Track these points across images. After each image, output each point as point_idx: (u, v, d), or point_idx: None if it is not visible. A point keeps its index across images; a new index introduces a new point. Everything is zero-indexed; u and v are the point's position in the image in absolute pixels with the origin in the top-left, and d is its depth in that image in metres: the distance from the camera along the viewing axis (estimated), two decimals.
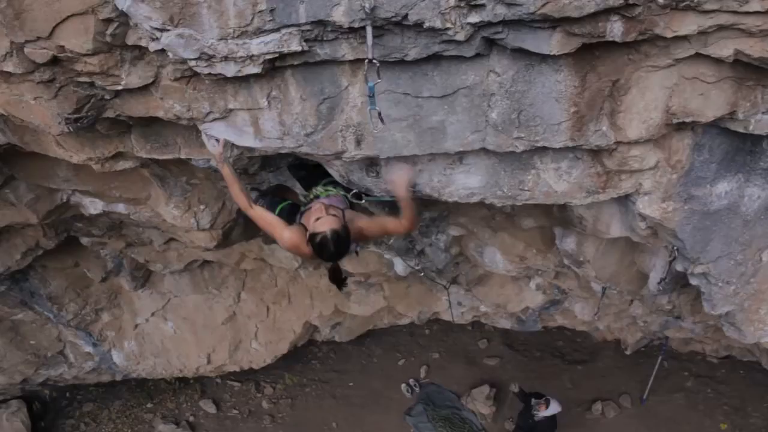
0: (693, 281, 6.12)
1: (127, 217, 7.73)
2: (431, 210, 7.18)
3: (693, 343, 12.32)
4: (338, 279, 5.20)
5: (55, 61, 4.29)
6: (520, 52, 4.09)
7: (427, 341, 15.42)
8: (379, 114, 4.16)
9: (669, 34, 3.89)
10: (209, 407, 14.20)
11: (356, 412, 14.03)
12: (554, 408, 11.41)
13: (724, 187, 5.14)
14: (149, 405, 14.18)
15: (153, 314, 11.81)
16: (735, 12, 3.69)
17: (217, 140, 4.79)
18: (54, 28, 4.03)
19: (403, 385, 14.39)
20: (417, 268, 8.18)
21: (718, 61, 4.10)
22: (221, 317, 12.04)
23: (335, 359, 15.24)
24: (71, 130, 4.77)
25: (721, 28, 3.83)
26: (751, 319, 6.16)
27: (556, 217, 6.97)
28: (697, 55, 4.13)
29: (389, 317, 12.62)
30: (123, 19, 4.02)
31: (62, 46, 4.11)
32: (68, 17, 3.99)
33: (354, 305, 11.56)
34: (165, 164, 6.26)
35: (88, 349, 11.67)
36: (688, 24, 3.83)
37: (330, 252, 4.69)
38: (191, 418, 14.00)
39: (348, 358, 15.20)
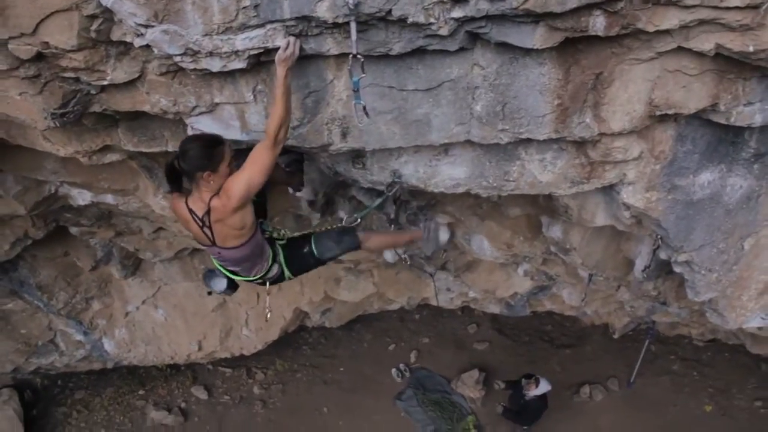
0: (677, 269, 6.19)
1: (116, 208, 7.72)
2: (419, 199, 7.21)
3: (679, 327, 12.42)
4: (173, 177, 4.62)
5: (39, 57, 4.28)
6: (504, 46, 4.11)
7: (417, 326, 15.51)
8: (364, 108, 4.19)
9: (651, 29, 3.92)
10: (201, 393, 14.23)
11: (347, 396, 14.12)
12: (544, 387, 11.51)
13: (706, 177, 5.20)
14: (141, 392, 14.19)
15: (143, 302, 11.79)
16: (716, 7, 3.72)
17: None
18: (38, 24, 4.01)
19: (394, 370, 14.48)
20: (404, 256, 8.20)
21: (699, 54, 4.14)
22: (212, 304, 12.03)
23: (326, 345, 15.29)
24: (57, 124, 4.76)
25: (702, 22, 3.87)
26: (733, 306, 6.26)
27: (542, 206, 7.01)
28: (679, 49, 4.17)
29: (379, 303, 12.67)
30: (107, 15, 4.01)
31: (46, 42, 4.10)
32: (52, 13, 3.97)
33: (344, 291, 11.58)
34: (153, 156, 6.25)
35: (79, 337, 11.66)
36: (670, 19, 3.86)
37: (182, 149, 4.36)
38: (183, 405, 14.04)
39: (338, 343, 15.26)
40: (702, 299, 6.27)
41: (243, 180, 4.34)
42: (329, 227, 5.71)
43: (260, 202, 5.20)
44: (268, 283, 5.55)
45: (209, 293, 5.86)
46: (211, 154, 4.31)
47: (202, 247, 5.17)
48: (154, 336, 12.23)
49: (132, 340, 12.14)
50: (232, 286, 5.62)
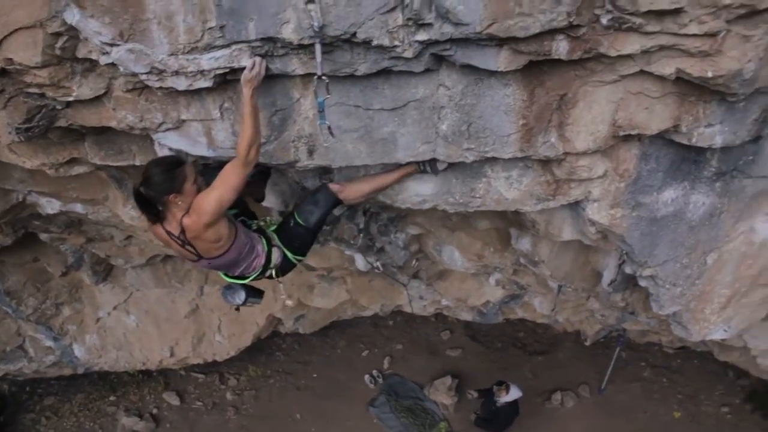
0: (642, 283, 6.27)
1: (86, 217, 7.68)
2: (389, 211, 7.23)
3: (650, 334, 12.53)
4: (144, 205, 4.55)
5: (3, 72, 4.26)
6: (469, 67, 4.16)
7: (391, 332, 15.54)
8: (329, 128, 4.23)
9: (613, 53, 3.98)
10: (173, 399, 14.16)
11: (320, 403, 14.09)
12: (515, 393, 11.56)
13: (670, 194, 5.27)
14: (112, 398, 14.09)
15: (115, 308, 11.72)
16: (675, 34, 3.79)
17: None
18: (1, 41, 4.00)
19: (367, 376, 14.48)
20: (376, 265, 8.22)
21: (661, 78, 4.20)
22: (184, 310, 12.01)
23: (299, 351, 15.27)
24: (22, 139, 4.73)
25: (662, 48, 3.94)
26: (696, 318, 6.34)
27: (511, 219, 7.06)
28: (642, 72, 4.23)
29: (353, 309, 12.66)
30: (73, 32, 4.01)
31: (10, 59, 4.08)
32: (16, 30, 3.96)
33: (317, 298, 11.56)
34: (122, 167, 6.24)
35: (49, 343, 11.53)
36: (631, 44, 3.93)
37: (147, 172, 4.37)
38: (155, 411, 13.94)
39: (312, 349, 15.24)
40: (666, 312, 6.35)
41: (213, 198, 4.36)
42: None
43: (240, 209, 5.31)
44: (278, 273, 5.48)
45: (237, 309, 5.84)
46: (173, 176, 4.33)
47: (193, 264, 5.16)
48: (125, 342, 12.14)
49: (103, 346, 12.05)
50: (253, 293, 5.61)
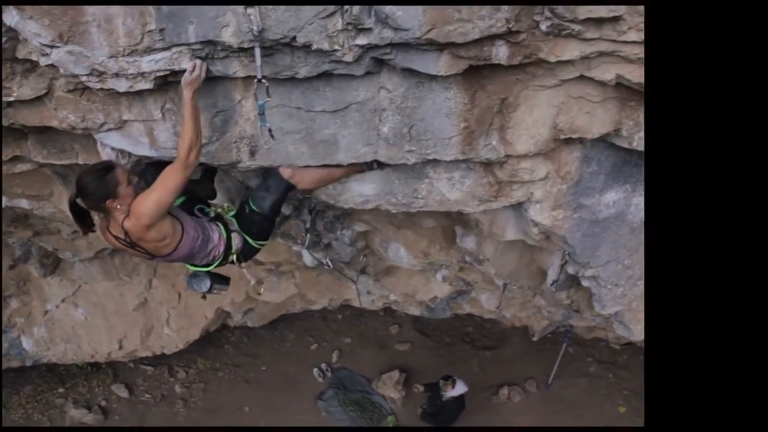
0: (584, 283, 6.35)
1: (31, 212, 7.59)
2: (334, 209, 7.21)
3: (596, 330, 12.68)
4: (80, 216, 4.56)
5: None
6: (410, 71, 4.14)
7: (340, 326, 15.55)
8: (270, 130, 4.22)
9: (552, 59, 4.00)
10: (122, 392, 14.02)
11: (268, 396, 14.06)
12: (460, 388, 11.65)
13: (612, 196, 5.33)
14: (60, 390, 13.91)
15: (63, 300, 11.65)
16: (614, 41, 3.81)
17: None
18: None
19: (315, 370, 14.48)
20: (324, 261, 8.18)
21: (602, 83, 4.23)
22: (133, 303, 11.95)
23: (248, 344, 15.21)
24: None
25: (602, 54, 3.96)
26: (638, 318, 6.47)
27: (455, 218, 7.09)
28: (582, 77, 4.26)
29: (301, 303, 12.65)
30: (12, 33, 3.93)
31: None
32: None
33: (266, 292, 11.52)
34: (66, 165, 6.15)
35: None
36: (571, 50, 3.94)
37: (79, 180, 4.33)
38: (103, 403, 13.80)
39: (261, 342, 15.19)
40: (608, 312, 6.44)
41: (152, 200, 4.32)
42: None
43: (190, 197, 5.26)
44: (240, 259, 5.43)
45: (204, 297, 5.81)
46: (105, 182, 4.27)
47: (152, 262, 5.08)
48: (74, 334, 12.05)
49: (51, 339, 11.95)
50: (218, 280, 5.56)
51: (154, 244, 4.63)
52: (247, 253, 5.49)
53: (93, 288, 11.66)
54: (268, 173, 5.27)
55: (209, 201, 6.11)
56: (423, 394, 12.74)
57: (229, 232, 5.28)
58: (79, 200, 4.42)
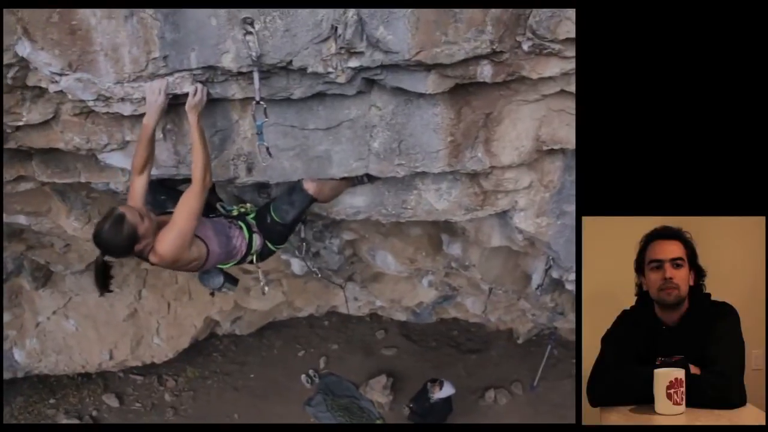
0: (568, 287, 6.55)
1: (28, 228, 7.70)
2: (324, 218, 7.36)
3: None
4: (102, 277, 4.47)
5: None
6: (399, 90, 4.35)
7: (326, 333, 15.60)
8: (267, 149, 4.42)
9: (534, 76, 4.21)
10: (112, 401, 13.99)
11: (257, 403, 14.09)
12: (448, 390, 11.78)
13: None
14: (52, 400, 13.87)
15: (54, 312, 11.62)
16: None
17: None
18: None
19: (303, 376, 14.54)
20: (314, 269, 8.32)
21: None
22: (123, 314, 11.94)
23: (236, 352, 15.23)
24: None
25: None
26: None
27: (441, 226, 7.27)
28: (563, 91, 4.47)
29: (288, 310, 12.71)
30: (23, 63, 4.09)
31: None
32: None
33: (253, 300, 11.59)
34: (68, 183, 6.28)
35: None
36: (552, 68, 4.16)
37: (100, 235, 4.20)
38: (94, 413, 13.79)
39: (249, 350, 15.22)
40: None
41: (173, 237, 4.31)
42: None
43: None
44: (258, 259, 5.41)
45: (212, 294, 5.89)
46: (124, 233, 4.17)
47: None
48: (65, 345, 12.03)
49: (43, 350, 11.93)
50: (229, 279, 5.60)
51: (185, 266, 4.69)
52: (264, 255, 5.49)
53: (84, 299, 11.63)
54: (293, 188, 5.28)
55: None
56: (408, 398, 12.92)
57: (251, 233, 5.27)
58: (107, 258, 4.34)
